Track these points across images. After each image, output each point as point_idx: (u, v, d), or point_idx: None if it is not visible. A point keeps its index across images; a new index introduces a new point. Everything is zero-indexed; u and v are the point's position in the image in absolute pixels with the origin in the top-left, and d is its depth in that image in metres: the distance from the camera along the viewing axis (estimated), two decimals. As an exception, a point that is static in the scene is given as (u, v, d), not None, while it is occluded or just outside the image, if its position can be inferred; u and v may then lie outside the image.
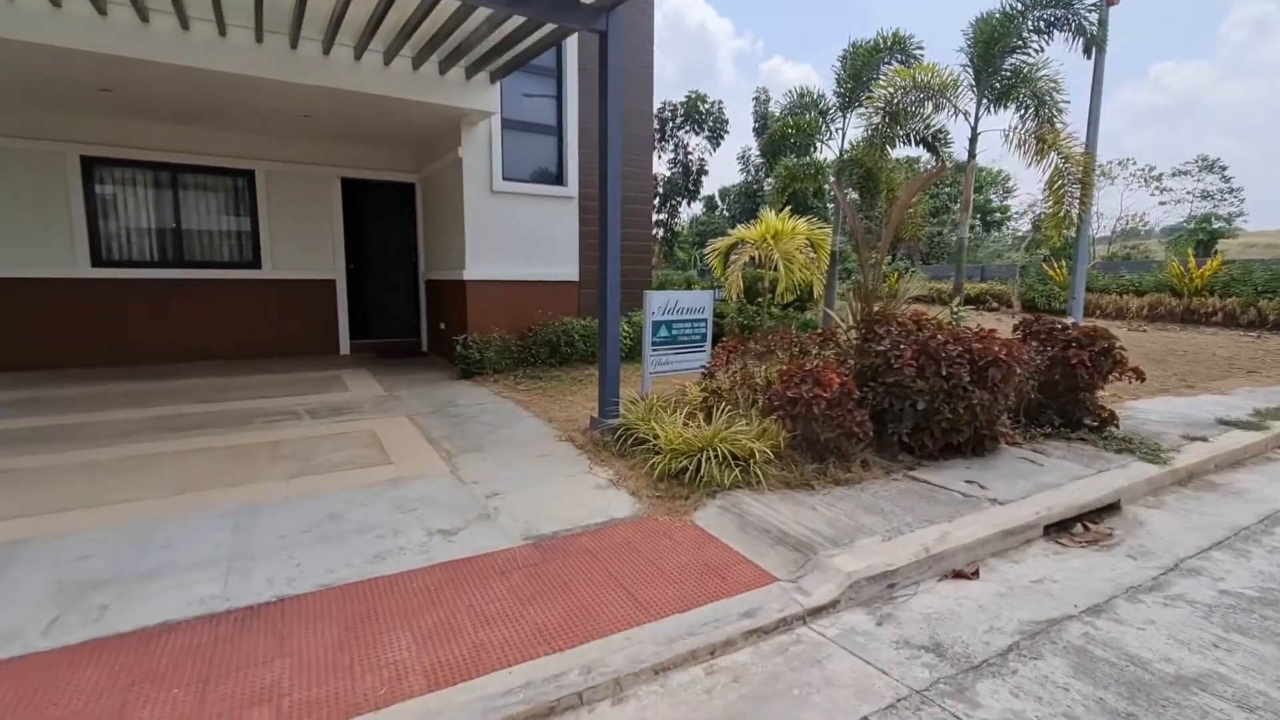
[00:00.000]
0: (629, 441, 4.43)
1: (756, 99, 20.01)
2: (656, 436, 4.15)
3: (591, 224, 8.10)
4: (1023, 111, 8.90)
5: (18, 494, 3.67)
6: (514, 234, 7.60)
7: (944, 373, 3.96)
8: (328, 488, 3.87)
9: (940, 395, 3.97)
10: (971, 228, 33.46)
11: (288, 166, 8.23)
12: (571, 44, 7.77)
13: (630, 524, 3.41)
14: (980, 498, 3.63)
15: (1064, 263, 16.00)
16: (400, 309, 9.36)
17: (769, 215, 7.69)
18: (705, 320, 6.17)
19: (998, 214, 33.40)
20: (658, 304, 5.80)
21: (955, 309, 8.27)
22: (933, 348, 4.06)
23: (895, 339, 4.18)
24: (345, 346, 8.84)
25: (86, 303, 7.35)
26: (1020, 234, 32.64)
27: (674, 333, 5.98)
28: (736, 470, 3.73)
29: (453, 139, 7.40)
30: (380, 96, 6.25)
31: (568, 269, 8.05)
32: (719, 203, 31.52)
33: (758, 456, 3.78)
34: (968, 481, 3.86)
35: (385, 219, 9.19)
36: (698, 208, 30.77)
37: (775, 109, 19.91)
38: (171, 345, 7.79)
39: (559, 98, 7.84)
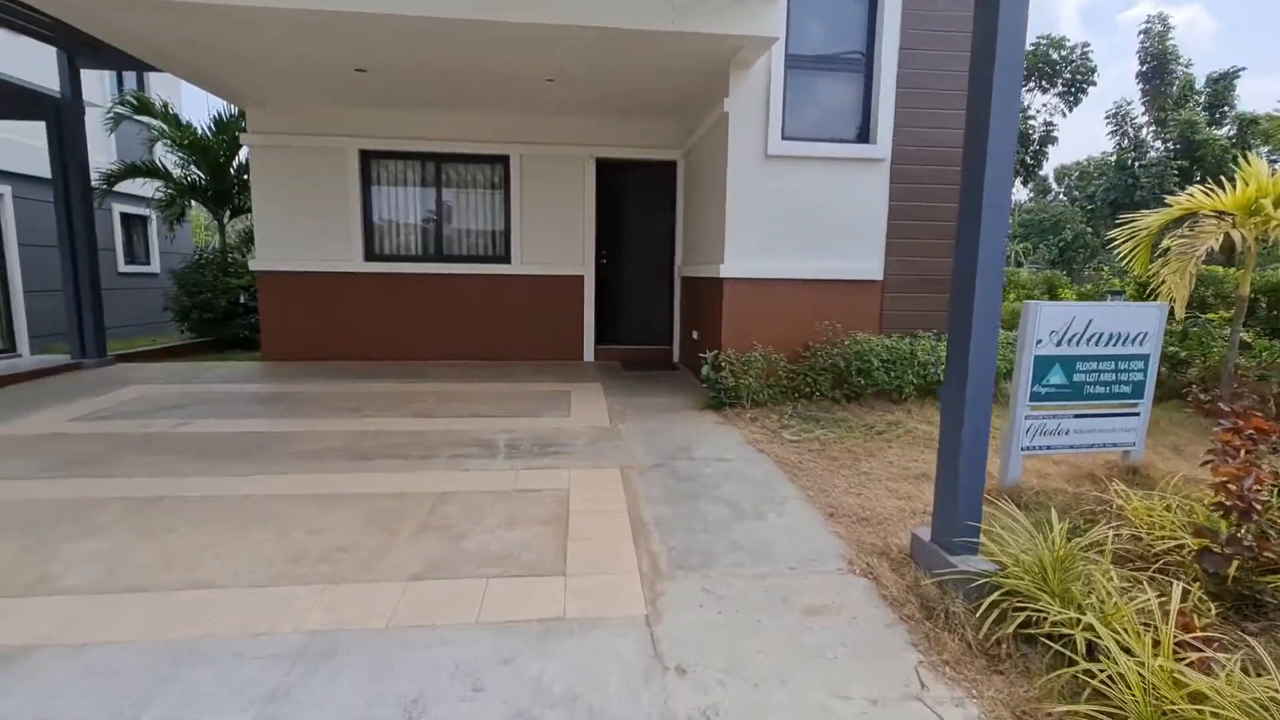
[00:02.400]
0: (1007, 618, 2.05)
1: (1146, 30, 14.38)
2: (1094, 651, 1.71)
3: (909, 197, 5.58)
4: None
5: (124, 549, 2.85)
6: (792, 214, 5.49)
7: None
8: (450, 617, 2.31)
9: None
10: None
11: (542, 149, 7.36)
12: (895, -66, 5.33)
13: None
14: None
15: None
16: (652, 311, 7.97)
17: (1257, 167, 4.27)
18: (1145, 358, 3.36)
19: None
20: (1051, 323, 3.21)
21: None
22: None
23: None
24: (589, 352, 7.76)
25: (357, 297, 7.38)
26: None
27: (1079, 377, 3.30)
28: None
29: (719, 90, 5.59)
30: (623, 30, 4.70)
31: (867, 263, 5.66)
32: (1053, 185, 24.78)
33: None
34: None
35: (640, 204, 7.87)
36: (1022, 194, 24.61)
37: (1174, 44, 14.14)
38: (425, 343, 7.51)
39: (871, 17, 5.47)
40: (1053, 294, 7.66)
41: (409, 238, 7.56)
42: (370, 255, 7.43)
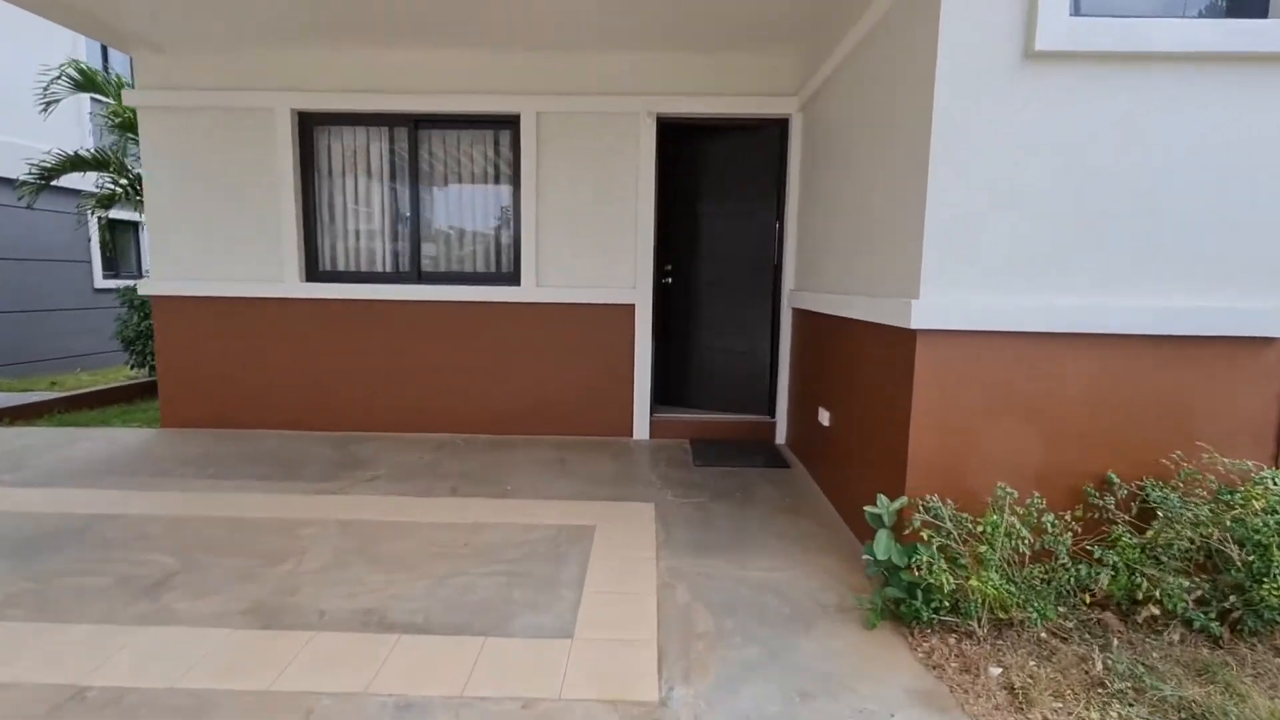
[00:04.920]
0: None
1: None
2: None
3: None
4: None
5: None
6: (1085, 188, 2.45)
7: None
8: None
9: None
10: None
11: (570, 102, 4.61)
12: None
13: None
14: None
15: None
16: (741, 360, 5.04)
17: None
18: None
19: None
20: None
21: None
22: None
23: None
24: (642, 424, 4.91)
25: (292, 335, 4.87)
26: None
27: None
28: None
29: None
30: None
31: (1263, 300, 2.51)
32: None
33: None
34: None
35: (727, 190, 4.98)
36: None
37: None
38: (387, 406, 4.90)
39: None
40: None
41: (369, 247, 5.00)
42: (313, 273, 4.92)
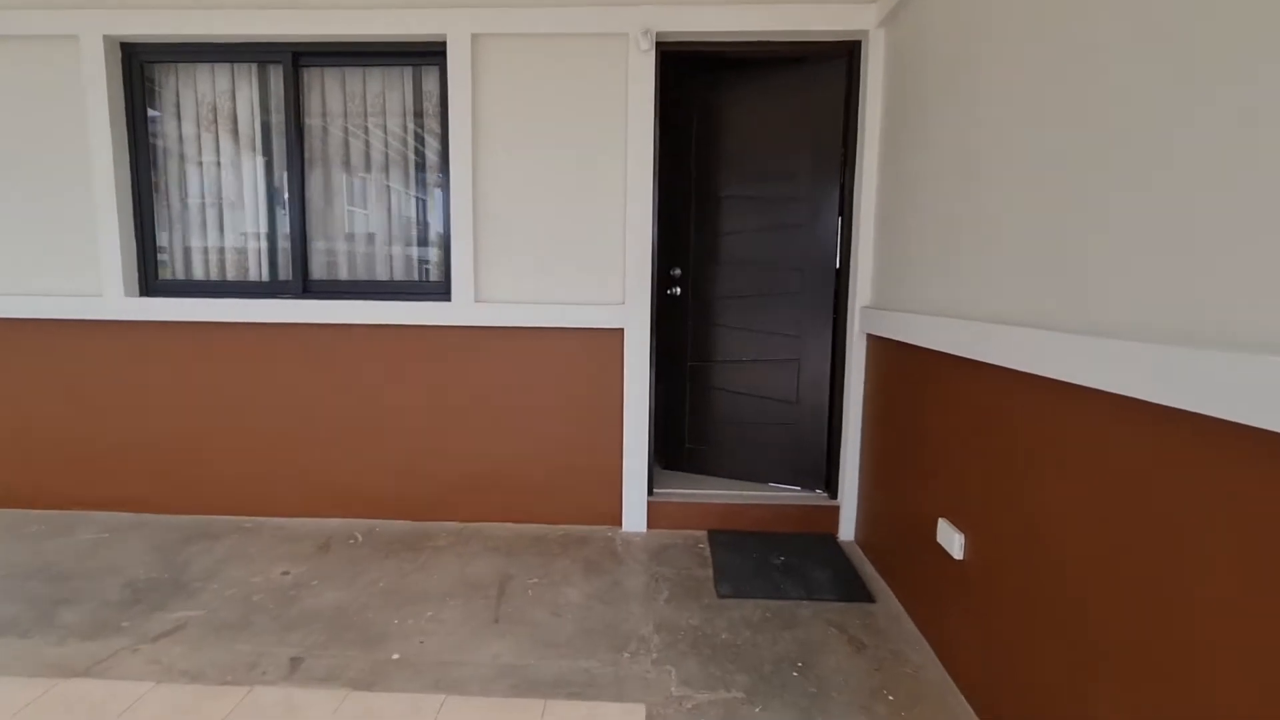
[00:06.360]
0: None
1: None
2: None
3: None
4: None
5: None
6: None
7: None
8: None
9: None
10: None
11: (522, 17, 3.01)
12: None
13: None
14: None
15: None
16: (785, 409, 3.40)
17: None
18: None
19: None
20: None
21: None
22: None
23: None
24: (635, 507, 3.28)
25: (120, 373, 3.31)
26: None
27: None
28: None
29: None
30: None
31: None
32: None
33: None
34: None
35: (761, 159, 3.35)
36: None
37: None
38: (263, 475, 3.32)
39: None
40: None
41: (234, 246, 3.42)
42: (149, 285, 3.36)
